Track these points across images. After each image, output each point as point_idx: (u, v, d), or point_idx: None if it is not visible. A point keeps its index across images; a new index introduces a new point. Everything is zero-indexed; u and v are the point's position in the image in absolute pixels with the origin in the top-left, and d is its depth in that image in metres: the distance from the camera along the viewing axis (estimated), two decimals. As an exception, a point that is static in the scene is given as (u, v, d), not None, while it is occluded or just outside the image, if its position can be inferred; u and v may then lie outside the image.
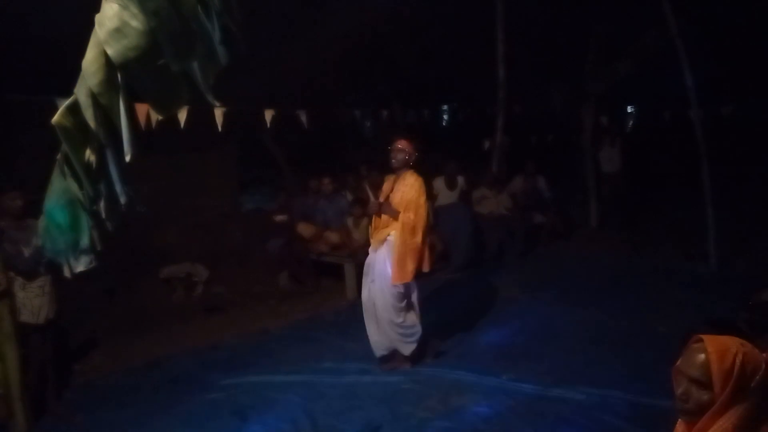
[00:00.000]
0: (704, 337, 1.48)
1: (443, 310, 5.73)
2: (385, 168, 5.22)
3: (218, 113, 5.96)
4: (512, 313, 5.85)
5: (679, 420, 1.57)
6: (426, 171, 5.15)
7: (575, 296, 6.24)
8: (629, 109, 15.48)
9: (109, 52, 1.57)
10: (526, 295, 6.40)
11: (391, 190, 4.65)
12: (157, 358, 5.17)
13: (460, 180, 8.19)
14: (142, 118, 4.72)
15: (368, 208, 4.98)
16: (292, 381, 4.55)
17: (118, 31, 1.56)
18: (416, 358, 4.75)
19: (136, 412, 4.18)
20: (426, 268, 4.65)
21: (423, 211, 4.52)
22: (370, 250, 4.71)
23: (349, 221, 7.20)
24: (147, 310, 6.26)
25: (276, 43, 6.83)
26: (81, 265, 1.90)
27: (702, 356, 1.45)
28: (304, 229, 7.40)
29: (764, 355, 1.47)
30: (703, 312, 4.98)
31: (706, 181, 6.88)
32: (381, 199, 4.70)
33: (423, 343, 4.77)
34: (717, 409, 1.42)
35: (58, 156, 1.79)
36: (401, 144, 4.61)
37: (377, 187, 5.99)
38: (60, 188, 1.81)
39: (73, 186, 1.78)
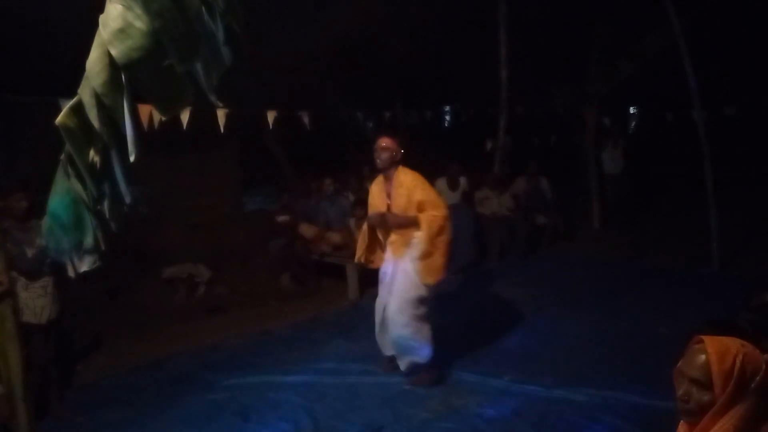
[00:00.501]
0: (705, 338, 1.49)
1: (444, 311, 5.72)
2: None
3: (221, 114, 5.97)
4: (514, 314, 5.84)
5: (681, 421, 1.57)
6: (428, 172, 5.11)
7: (577, 297, 6.24)
8: (632, 110, 15.46)
9: (113, 52, 1.57)
10: (529, 296, 6.39)
11: (388, 197, 4.35)
12: (159, 359, 5.18)
13: (463, 181, 8.20)
14: (144, 119, 4.73)
15: (369, 220, 4.54)
16: (293, 381, 4.55)
17: (122, 32, 1.57)
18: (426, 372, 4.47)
19: (138, 412, 4.19)
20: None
21: (443, 203, 4.31)
22: (388, 258, 4.43)
23: (352, 222, 7.20)
24: (149, 311, 6.27)
25: (278, 44, 6.84)
26: (85, 265, 1.91)
27: (702, 357, 1.45)
28: (306, 230, 7.42)
29: (765, 356, 1.47)
30: (705, 313, 4.94)
31: (708, 182, 6.88)
32: (374, 209, 4.43)
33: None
34: (717, 410, 1.42)
35: (62, 156, 1.79)
36: (385, 142, 4.29)
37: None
38: (64, 188, 1.82)
39: (77, 186, 1.79)
